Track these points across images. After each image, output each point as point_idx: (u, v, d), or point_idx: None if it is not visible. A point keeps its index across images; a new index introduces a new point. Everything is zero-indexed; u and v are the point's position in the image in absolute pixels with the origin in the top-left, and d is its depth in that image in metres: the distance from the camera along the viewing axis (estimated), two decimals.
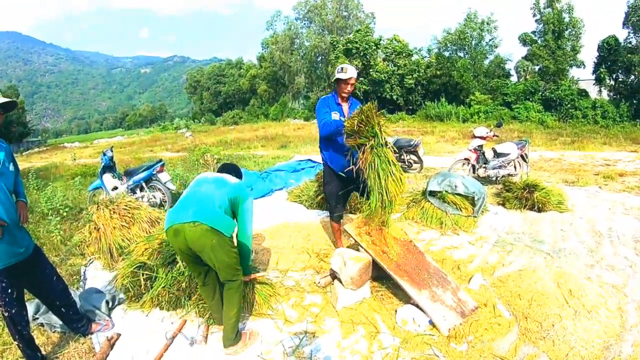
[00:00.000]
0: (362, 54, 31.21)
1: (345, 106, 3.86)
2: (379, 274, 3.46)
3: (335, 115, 3.72)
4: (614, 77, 23.01)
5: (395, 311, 3.09)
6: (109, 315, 3.33)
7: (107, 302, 3.41)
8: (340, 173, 3.87)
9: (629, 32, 22.31)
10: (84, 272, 4.34)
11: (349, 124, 3.28)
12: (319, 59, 43.98)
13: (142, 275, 3.46)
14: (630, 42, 22.26)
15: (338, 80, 3.76)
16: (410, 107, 30.97)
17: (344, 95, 3.82)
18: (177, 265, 3.43)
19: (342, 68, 3.76)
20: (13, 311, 2.55)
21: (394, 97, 30.39)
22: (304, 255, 4.37)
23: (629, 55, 21.34)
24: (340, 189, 4.00)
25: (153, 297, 3.37)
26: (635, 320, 2.87)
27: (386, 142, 3.26)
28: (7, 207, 2.49)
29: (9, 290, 2.51)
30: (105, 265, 4.38)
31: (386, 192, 3.21)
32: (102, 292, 3.58)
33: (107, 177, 6.71)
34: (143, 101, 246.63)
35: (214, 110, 58.68)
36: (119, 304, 3.53)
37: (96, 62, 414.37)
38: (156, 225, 4.70)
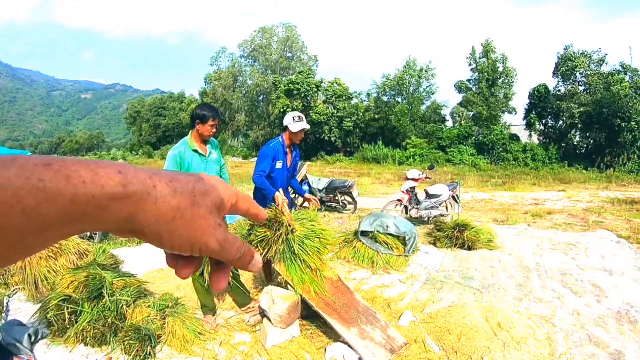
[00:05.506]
0: (303, 95, 31.77)
1: (289, 156, 3.89)
2: (308, 313, 3.50)
3: (279, 165, 3.72)
4: (543, 122, 24.90)
5: (325, 349, 3.12)
6: (31, 350, 3.16)
7: (30, 336, 3.24)
8: None
9: (558, 81, 24.42)
10: (7, 304, 4.10)
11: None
12: (260, 98, 44.15)
13: (67, 309, 3.32)
14: (559, 90, 24.28)
15: (293, 129, 3.70)
16: (348, 149, 31.85)
17: (295, 143, 3.85)
18: (104, 300, 3.33)
19: (299, 117, 3.70)
20: None
21: (333, 139, 31.11)
22: None
23: (558, 102, 23.18)
24: None
25: (78, 332, 3.23)
26: (565, 349, 2.99)
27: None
28: None
29: None
30: (30, 297, 4.15)
31: (308, 266, 3.37)
32: (25, 325, 3.40)
33: None
34: (81, 128, 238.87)
35: (152, 143, 56.96)
36: (43, 338, 3.36)
37: (37, 82, 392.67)
38: (85, 258, 4.51)
